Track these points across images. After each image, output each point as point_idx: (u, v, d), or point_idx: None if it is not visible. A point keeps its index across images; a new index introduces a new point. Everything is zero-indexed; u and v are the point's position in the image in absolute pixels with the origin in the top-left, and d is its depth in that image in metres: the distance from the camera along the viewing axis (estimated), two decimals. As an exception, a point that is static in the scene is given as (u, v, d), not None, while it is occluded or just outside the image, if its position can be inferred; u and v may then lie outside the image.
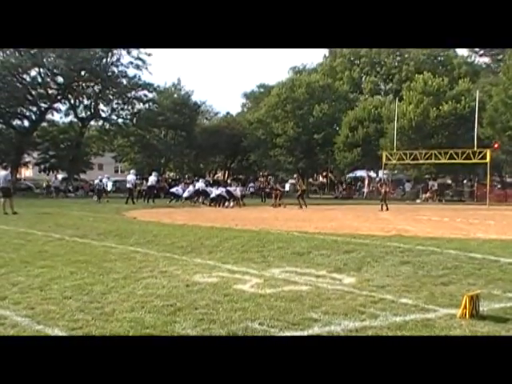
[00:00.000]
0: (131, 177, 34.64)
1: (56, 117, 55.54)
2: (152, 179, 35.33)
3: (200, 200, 32.96)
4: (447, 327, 5.45)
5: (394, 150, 42.92)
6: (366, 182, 52.85)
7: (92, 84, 54.09)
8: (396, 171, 51.34)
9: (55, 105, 53.65)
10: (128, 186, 33.75)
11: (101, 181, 37.82)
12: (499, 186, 45.87)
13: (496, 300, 6.66)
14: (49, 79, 51.19)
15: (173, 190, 35.48)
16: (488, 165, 37.21)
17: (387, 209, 26.61)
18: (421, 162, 42.17)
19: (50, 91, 52.14)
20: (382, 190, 28.96)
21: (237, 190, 31.69)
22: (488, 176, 38.76)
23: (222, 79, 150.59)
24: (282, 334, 5.17)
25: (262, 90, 79.00)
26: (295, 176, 37.09)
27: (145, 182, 37.72)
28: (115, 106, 56.09)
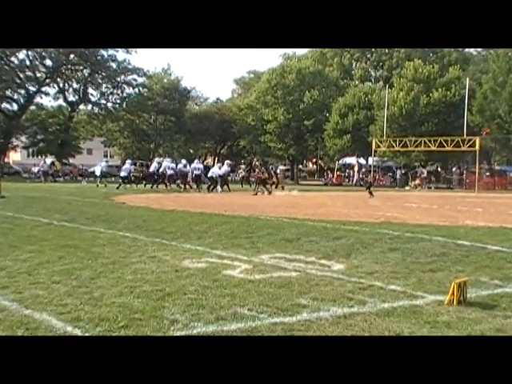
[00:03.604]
0: (127, 166, 34.14)
1: (45, 100, 55.43)
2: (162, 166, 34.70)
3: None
4: (435, 313, 5.48)
5: (384, 137, 43.07)
6: (356, 169, 52.93)
7: (81, 68, 53.82)
8: (386, 158, 51.50)
9: (44, 88, 53.36)
10: (123, 174, 33.28)
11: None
12: (488, 174, 46.10)
13: (483, 287, 6.70)
14: (37, 62, 50.84)
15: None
16: (477, 152, 37.39)
17: (372, 194, 26.67)
18: (410, 149, 42.34)
19: (38, 74, 51.81)
20: (368, 179, 29.16)
21: (220, 170, 30.95)
22: (477, 164, 38.96)
23: (212, 65, 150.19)
24: (270, 319, 5.18)
25: (252, 76, 78.91)
26: (256, 164, 36.22)
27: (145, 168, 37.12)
28: (104, 90, 55.90)
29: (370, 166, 46.88)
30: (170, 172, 33.17)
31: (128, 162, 35.91)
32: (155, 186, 32.88)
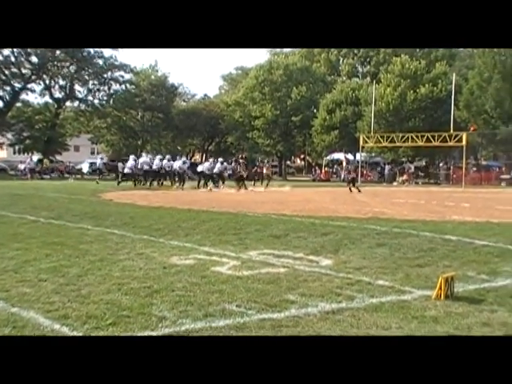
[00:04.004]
0: (131, 162, 33.10)
1: (31, 97, 55.01)
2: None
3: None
4: (422, 308, 5.51)
5: (372, 133, 43.22)
6: (344, 165, 53.05)
7: (67, 64, 53.47)
8: (373, 154, 51.65)
9: (29, 85, 52.97)
10: (126, 170, 32.61)
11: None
12: (475, 169, 46.34)
13: (470, 281, 6.74)
14: (22, 59, 50.45)
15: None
16: (464, 148, 37.60)
17: (351, 190, 26.69)
18: (398, 144, 42.52)
19: (23, 71, 51.43)
20: (350, 177, 29.27)
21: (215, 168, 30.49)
22: (464, 159, 39.18)
23: (200, 61, 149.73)
24: (259, 315, 5.18)
25: (239, 72, 78.79)
26: (241, 161, 36.40)
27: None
28: (91, 86, 55.63)
29: (352, 162, 47.01)
30: (146, 167, 32.89)
31: (132, 157, 34.80)
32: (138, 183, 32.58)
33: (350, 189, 27.04)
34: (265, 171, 34.38)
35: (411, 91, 44.87)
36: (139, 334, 4.58)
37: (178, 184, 30.96)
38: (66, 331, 4.66)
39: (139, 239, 9.88)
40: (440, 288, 5.88)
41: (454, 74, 40.92)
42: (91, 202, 18.77)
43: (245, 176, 30.74)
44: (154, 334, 4.61)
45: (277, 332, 4.73)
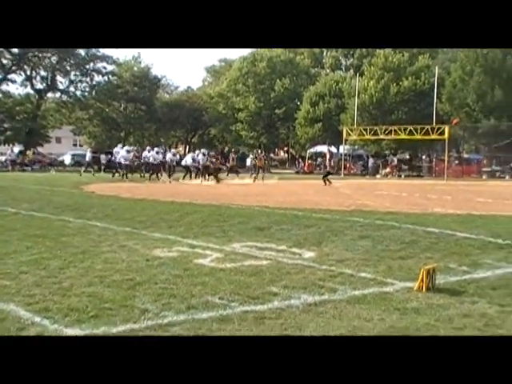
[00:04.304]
0: (124, 153, 32.24)
1: (11, 88, 54.35)
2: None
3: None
4: (404, 300, 5.55)
5: (355, 126, 43.31)
6: (328, 157, 53.13)
7: (48, 55, 52.82)
8: (357, 146, 51.77)
9: (10, 75, 52.30)
10: (125, 162, 31.49)
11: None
12: (457, 162, 46.64)
13: (452, 273, 6.79)
14: (2, 48, 49.76)
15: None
16: (446, 141, 37.82)
17: (325, 184, 26.48)
18: (381, 137, 42.68)
19: (4, 61, 50.82)
20: (328, 169, 29.19)
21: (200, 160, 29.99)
22: (446, 152, 39.40)
23: (183, 53, 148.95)
24: (242, 308, 5.18)
25: (223, 64, 78.46)
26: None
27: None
28: (73, 77, 55.11)
29: (335, 154, 47.13)
30: (122, 161, 32.52)
31: (126, 148, 34.00)
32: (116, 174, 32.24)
33: (324, 182, 26.92)
34: (257, 163, 33.51)
35: (394, 84, 44.99)
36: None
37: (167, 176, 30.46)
38: (46, 324, 4.63)
39: (122, 231, 9.83)
40: (422, 280, 5.92)
41: (437, 67, 41.09)
42: (73, 194, 18.64)
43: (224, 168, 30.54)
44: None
45: (259, 324, 4.73)
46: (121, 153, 32.51)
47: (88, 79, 55.55)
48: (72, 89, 55.53)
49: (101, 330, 4.49)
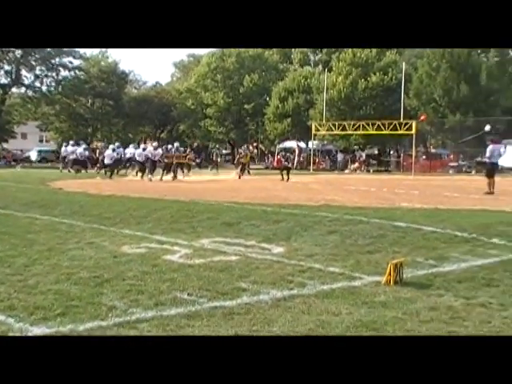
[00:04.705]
0: (111, 152, 29.94)
1: (-26, 83, 53.22)
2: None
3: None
4: (372, 294, 5.59)
5: (324, 121, 43.55)
6: (297, 153, 53.32)
7: (13, 49, 51.90)
8: (325, 142, 52.08)
9: (-27, 70, 51.35)
10: (107, 161, 29.19)
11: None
12: (424, 157, 47.23)
13: (419, 267, 6.87)
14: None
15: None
16: (414, 136, 38.25)
17: (286, 179, 26.15)
18: (349, 132, 42.97)
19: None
20: (286, 164, 28.77)
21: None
22: (413, 147, 39.86)
23: (151, 48, 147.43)
24: (210, 303, 5.17)
25: (191, 59, 78.15)
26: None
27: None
28: (38, 72, 54.36)
29: (304, 149, 47.30)
30: (72, 157, 32.67)
31: (111, 146, 31.81)
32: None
33: (283, 176, 26.49)
34: (242, 160, 31.75)
35: (362, 80, 45.36)
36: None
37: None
38: (11, 323, 4.55)
39: (89, 228, 9.72)
40: (389, 274, 5.97)
41: (404, 63, 41.51)
42: (40, 191, 18.36)
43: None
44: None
45: (228, 320, 4.72)
46: (106, 152, 31.36)
47: (54, 74, 54.91)
48: (37, 84, 54.86)
49: (67, 328, 4.43)
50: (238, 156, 32.90)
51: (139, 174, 27.73)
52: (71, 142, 34.59)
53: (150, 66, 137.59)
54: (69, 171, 31.21)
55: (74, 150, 33.11)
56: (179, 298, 5.35)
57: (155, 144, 31.82)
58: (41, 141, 72.51)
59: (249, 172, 30.31)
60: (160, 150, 28.76)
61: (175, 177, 27.27)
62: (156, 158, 27.82)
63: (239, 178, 29.24)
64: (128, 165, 31.35)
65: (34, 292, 5.49)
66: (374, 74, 45.42)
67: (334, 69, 47.91)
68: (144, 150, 29.07)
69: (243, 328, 4.51)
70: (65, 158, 34.06)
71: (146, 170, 27.43)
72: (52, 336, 4.25)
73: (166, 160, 27.83)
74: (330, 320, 4.74)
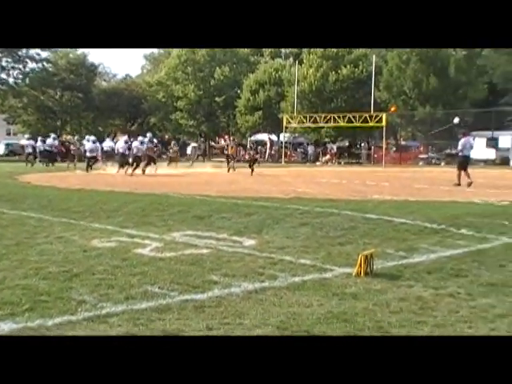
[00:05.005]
0: (92, 145, 28.90)
1: None
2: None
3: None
4: (343, 285, 5.62)
5: (295, 114, 43.66)
6: (268, 145, 53.38)
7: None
8: (297, 134, 52.24)
9: None
10: (89, 154, 28.35)
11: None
12: (394, 149, 47.75)
13: (389, 258, 6.92)
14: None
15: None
16: (384, 128, 38.58)
17: (250, 172, 25.68)
18: (320, 125, 43.18)
19: None
20: (253, 156, 28.52)
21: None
22: (384, 139, 40.21)
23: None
24: (181, 297, 5.14)
25: (162, 51, 77.52)
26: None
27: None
28: (4, 64, 53.38)
29: (276, 142, 47.34)
30: (28, 150, 33.65)
31: (91, 138, 30.18)
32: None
33: (252, 170, 25.93)
34: (229, 152, 30.77)
35: (333, 72, 45.56)
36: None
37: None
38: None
39: (58, 222, 9.59)
40: (360, 265, 6.01)
41: (374, 56, 41.78)
42: (7, 185, 18.07)
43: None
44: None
45: (199, 313, 4.70)
46: (87, 145, 30.35)
47: (21, 66, 54.01)
48: (4, 76, 53.88)
49: (36, 323, 4.36)
50: (224, 148, 32.03)
51: (125, 168, 26.74)
52: (27, 136, 34.71)
53: (120, 59, 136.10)
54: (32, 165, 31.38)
55: (31, 143, 33.91)
56: (150, 291, 5.31)
57: (126, 138, 31.35)
58: (8, 134, 71.29)
59: (233, 167, 29.08)
60: (145, 145, 27.63)
61: (144, 171, 26.45)
62: (140, 153, 26.89)
63: (228, 171, 28.35)
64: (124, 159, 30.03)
65: (1, 287, 5.39)
66: (345, 66, 45.65)
67: (304, 61, 48.03)
68: (126, 142, 28.39)
69: (214, 321, 4.50)
70: (30, 153, 34.06)
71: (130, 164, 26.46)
72: (19, 336, 4.18)
73: (148, 153, 27.10)
74: (302, 312, 4.75)
